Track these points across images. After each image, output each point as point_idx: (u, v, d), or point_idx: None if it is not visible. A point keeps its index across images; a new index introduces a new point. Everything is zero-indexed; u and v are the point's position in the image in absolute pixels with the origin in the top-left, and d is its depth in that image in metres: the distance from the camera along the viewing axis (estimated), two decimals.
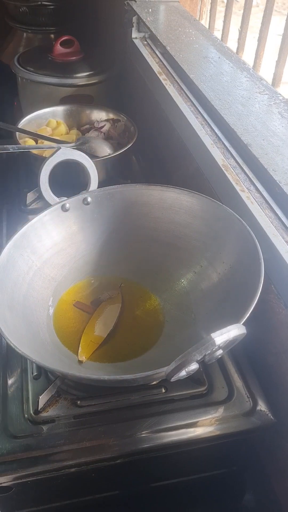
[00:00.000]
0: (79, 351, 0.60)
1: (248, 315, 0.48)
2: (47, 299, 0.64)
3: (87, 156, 0.70)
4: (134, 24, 1.09)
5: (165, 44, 0.94)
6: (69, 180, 0.72)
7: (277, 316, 0.58)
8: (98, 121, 1.02)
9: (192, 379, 0.59)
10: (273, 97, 0.76)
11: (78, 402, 0.57)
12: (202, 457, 0.61)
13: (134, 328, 0.64)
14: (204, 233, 0.64)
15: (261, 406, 0.58)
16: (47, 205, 0.66)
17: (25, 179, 0.95)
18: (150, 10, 1.08)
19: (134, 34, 1.10)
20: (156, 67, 0.96)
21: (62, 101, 1.11)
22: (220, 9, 1.10)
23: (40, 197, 0.79)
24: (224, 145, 0.72)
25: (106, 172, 0.90)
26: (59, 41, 1.16)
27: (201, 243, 0.65)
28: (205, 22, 1.19)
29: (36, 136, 0.91)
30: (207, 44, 0.95)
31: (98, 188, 0.69)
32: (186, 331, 0.62)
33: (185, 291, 0.66)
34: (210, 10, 1.13)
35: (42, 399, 0.56)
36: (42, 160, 0.69)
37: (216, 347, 0.41)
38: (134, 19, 1.08)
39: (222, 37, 1.03)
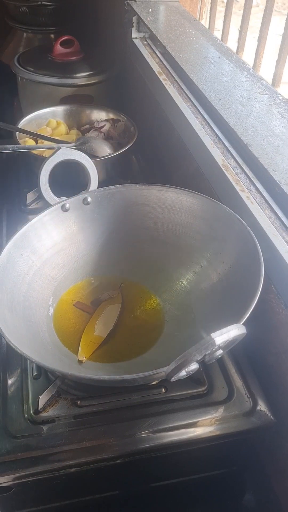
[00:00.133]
0: (79, 351, 0.60)
1: (248, 315, 0.48)
2: (47, 299, 0.64)
3: (87, 156, 0.70)
4: (134, 24, 1.09)
5: (165, 44, 0.94)
6: (69, 180, 0.72)
7: (277, 316, 0.58)
8: (98, 121, 1.02)
9: (192, 379, 0.59)
10: (273, 97, 0.76)
11: (78, 402, 0.57)
12: (202, 457, 0.61)
13: (134, 328, 0.64)
14: (204, 233, 0.64)
15: (261, 406, 0.58)
16: (47, 205, 0.66)
17: (25, 179, 0.95)
18: (150, 10, 1.08)
19: (134, 34, 1.10)
20: (156, 67, 0.96)
21: (62, 101, 1.11)
22: (220, 9, 1.10)
23: (40, 197, 0.79)
24: (224, 145, 0.72)
25: (106, 172, 0.90)
26: (59, 41, 1.16)
27: (201, 243, 0.65)
28: (205, 22, 1.19)
29: (36, 136, 0.91)
30: (207, 44, 0.95)
31: (98, 188, 0.69)
32: (186, 331, 0.62)
33: (185, 291, 0.66)
34: (210, 10, 1.13)
35: (42, 399, 0.56)
36: (42, 160, 0.69)
37: (216, 347, 0.41)
38: (134, 19, 1.08)
39: (222, 37, 1.03)
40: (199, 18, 1.21)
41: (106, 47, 1.37)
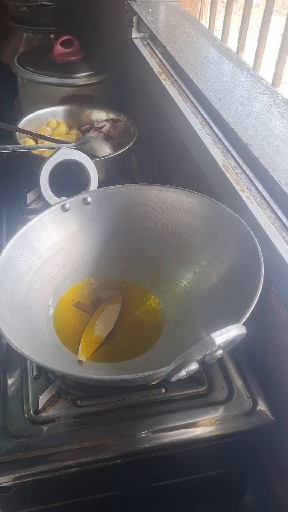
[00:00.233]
0: (79, 351, 0.60)
1: (248, 315, 0.48)
2: (47, 299, 0.64)
3: (87, 156, 0.70)
4: (134, 24, 1.09)
5: (165, 44, 0.94)
6: (69, 180, 0.72)
7: (277, 316, 0.58)
8: (98, 121, 1.02)
9: (192, 379, 0.59)
10: (273, 97, 0.76)
11: (78, 402, 0.57)
12: (202, 457, 0.61)
13: (134, 328, 0.64)
14: (204, 233, 0.64)
15: (261, 406, 0.58)
16: (47, 205, 0.66)
17: (25, 179, 0.95)
18: (150, 10, 1.08)
19: (134, 34, 1.10)
20: (156, 67, 0.96)
21: (62, 101, 1.11)
22: (220, 9, 1.10)
23: (40, 197, 0.79)
24: (224, 145, 0.72)
25: (106, 172, 0.90)
26: (59, 41, 1.16)
27: (201, 243, 0.65)
28: (205, 22, 1.19)
29: (36, 136, 0.91)
30: (207, 44, 0.95)
31: (98, 188, 0.69)
32: (186, 331, 0.62)
33: (185, 291, 0.66)
34: (210, 10, 1.13)
35: (42, 399, 0.56)
36: (42, 160, 0.69)
37: (216, 347, 0.41)
38: (134, 19, 1.08)
39: (222, 37, 1.03)
40: (199, 18, 1.21)
41: (106, 47, 1.37)
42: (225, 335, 0.41)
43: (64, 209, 0.65)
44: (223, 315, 0.56)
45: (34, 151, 0.89)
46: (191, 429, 0.56)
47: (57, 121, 1.01)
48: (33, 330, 0.58)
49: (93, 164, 0.70)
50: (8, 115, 1.34)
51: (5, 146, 0.78)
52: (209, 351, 0.41)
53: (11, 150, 0.80)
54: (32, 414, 0.56)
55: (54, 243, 0.66)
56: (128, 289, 0.68)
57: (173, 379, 0.43)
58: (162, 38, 0.96)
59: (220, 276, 0.62)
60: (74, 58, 1.17)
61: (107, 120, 1.02)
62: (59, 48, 1.17)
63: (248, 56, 0.97)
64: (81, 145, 0.88)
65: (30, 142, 0.94)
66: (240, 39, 0.96)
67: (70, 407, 0.57)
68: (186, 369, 0.42)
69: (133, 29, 1.10)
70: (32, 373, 0.60)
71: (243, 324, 0.44)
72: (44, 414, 0.56)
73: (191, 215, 0.65)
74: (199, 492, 0.66)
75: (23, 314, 0.58)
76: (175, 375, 0.43)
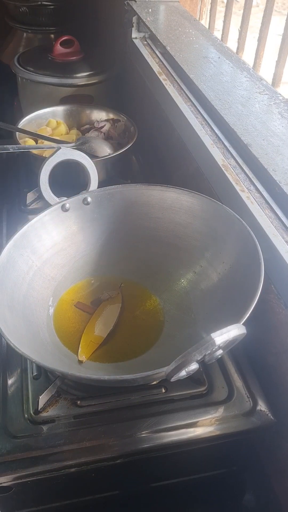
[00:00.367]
0: (79, 351, 0.60)
1: (248, 315, 0.48)
2: (47, 299, 0.64)
3: (87, 156, 0.70)
4: (134, 24, 1.09)
5: (165, 44, 0.94)
6: (69, 180, 0.72)
7: (277, 316, 0.58)
8: (98, 121, 1.02)
9: (192, 379, 0.59)
10: (273, 97, 0.76)
11: (78, 402, 0.57)
12: (202, 457, 0.61)
13: (134, 328, 0.64)
14: (204, 233, 0.64)
15: (261, 406, 0.58)
16: (47, 205, 0.66)
17: (25, 179, 0.95)
18: (150, 10, 1.08)
19: (134, 34, 1.10)
20: (156, 67, 0.96)
21: (62, 101, 1.11)
22: (220, 9, 1.10)
23: (40, 197, 0.79)
24: (224, 145, 0.72)
25: (106, 172, 0.90)
26: (59, 41, 1.16)
27: (201, 243, 0.65)
28: (205, 22, 1.19)
29: (36, 136, 0.91)
30: (207, 44, 0.95)
31: (98, 188, 0.69)
32: (186, 331, 0.62)
33: (185, 291, 0.66)
34: (210, 10, 1.13)
35: (42, 399, 0.56)
36: (42, 160, 0.69)
37: (216, 347, 0.41)
38: (134, 19, 1.08)
39: (222, 37, 1.03)
40: (199, 18, 1.21)
41: (106, 47, 1.37)
42: (225, 335, 0.41)
43: (64, 209, 0.65)
44: (223, 315, 0.56)
45: (34, 151, 0.89)
46: (191, 429, 0.56)
47: (57, 121, 1.01)
48: (33, 330, 0.58)
49: (93, 164, 0.70)
50: (8, 115, 1.34)
51: (5, 146, 0.78)
52: (209, 351, 0.41)
53: (11, 150, 0.80)
54: (32, 414, 0.56)
55: (54, 243, 0.66)
56: (128, 289, 0.68)
57: (173, 379, 0.43)
58: (162, 38, 0.96)
59: (220, 276, 0.62)
60: (74, 58, 1.17)
61: (107, 120, 1.02)
62: (59, 48, 1.17)
63: (248, 56, 0.97)
64: (81, 145, 0.88)
65: (30, 142, 0.94)
66: (240, 39, 0.96)
67: (70, 407, 0.57)
68: (186, 369, 0.42)
69: (133, 29, 1.10)
70: (32, 373, 0.60)
71: (243, 324, 0.44)
72: (44, 414, 0.56)
73: (191, 215, 0.65)
74: (199, 492, 0.66)
75: (23, 314, 0.58)
76: (175, 375, 0.43)
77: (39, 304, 0.62)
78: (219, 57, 0.89)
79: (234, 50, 0.95)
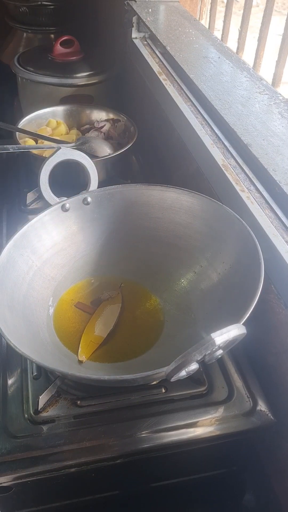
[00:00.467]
0: (79, 351, 0.60)
1: (248, 315, 0.48)
2: (47, 299, 0.64)
3: (87, 156, 0.70)
4: (134, 24, 1.09)
5: (165, 44, 0.94)
6: (69, 180, 0.72)
7: (277, 316, 0.58)
8: (98, 121, 1.02)
9: (192, 379, 0.59)
10: (273, 97, 0.76)
11: (78, 402, 0.57)
12: (202, 457, 0.61)
13: (134, 328, 0.64)
14: (204, 233, 0.64)
15: (261, 406, 0.58)
16: (47, 205, 0.66)
17: (25, 179, 0.95)
18: (150, 10, 1.08)
19: (134, 34, 1.10)
20: (156, 67, 0.96)
21: (62, 101, 1.11)
22: (220, 9, 1.10)
23: (40, 197, 0.79)
24: (224, 145, 0.72)
25: (106, 172, 0.90)
26: (59, 41, 1.16)
27: (201, 243, 0.65)
28: (205, 22, 1.19)
29: (36, 136, 0.91)
30: (207, 44, 0.95)
31: (98, 188, 0.69)
32: (186, 331, 0.62)
33: (185, 291, 0.66)
34: (210, 10, 1.13)
35: (42, 399, 0.56)
36: (42, 160, 0.69)
37: (216, 347, 0.41)
38: (134, 19, 1.08)
39: (222, 37, 1.03)
40: (199, 18, 1.21)
41: (106, 47, 1.37)
42: (225, 335, 0.41)
43: (64, 209, 0.65)
44: (223, 315, 0.56)
45: (34, 151, 0.89)
46: (191, 429, 0.56)
47: (57, 121, 1.01)
48: (33, 330, 0.58)
49: (93, 164, 0.70)
50: (8, 115, 1.34)
51: (5, 146, 0.78)
52: (209, 351, 0.41)
53: (11, 150, 0.80)
54: (32, 414, 0.56)
55: (54, 243, 0.66)
56: (128, 289, 0.68)
57: (173, 379, 0.43)
58: (162, 38, 0.96)
59: (220, 276, 0.62)
60: (74, 58, 1.17)
61: (107, 120, 1.02)
62: (59, 48, 1.17)
63: (248, 56, 0.97)
64: (81, 145, 0.88)
65: (30, 142, 0.94)
66: (240, 39, 0.96)
67: (70, 407, 0.57)
68: (186, 369, 0.42)
69: (133, 29, 1.10)
70: (32, 373, 0.60)
71: (243, 324, 0.44)
72: (44, 414, 0.56)
73: (191, 215, 0.65)
74: (199, 492, 0.66)
75: (23, 314, 0.58)
76: (175, 375, 0.43)
77: (39, 304, 0.62)
78: (219, 57, 0.89)
79: (234, 50, 0.95)
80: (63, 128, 1.00)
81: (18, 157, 1.00)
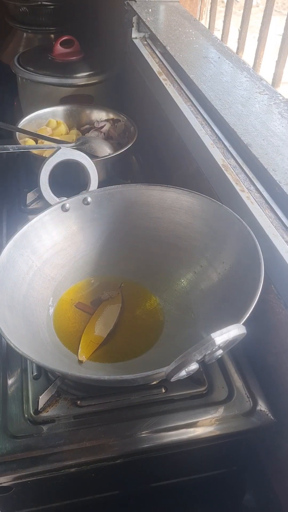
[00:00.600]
0: (79, 351, 0.60)
1: (248, 315, 0.48)
2: (47, 299, 0.64)
3: (87, 156, 0.70)
4: (134, 24, 1.09)
5: (165, 44, 0.94)
6: (69, 180, 0.72)
7: (277, 316, 0.58)
8: (98, 121, 1.02)
9: (192, 379, 0.59)
10: (273, 97, 0.76)
11: (78, 402, 0.57)
12: (202, 457, 0.61)
13: (134, 328, 0.64)
14: (204, 233, 0.64)
15: (261, 406, 0.58)
16: (47, 205, 0.66)
17: (25, 179, 0.95)
18: (150, 10, 1.08)
19: (134, 34, 1.10)
20: (156, 67, 0.96)
21: (62, 101, 1.11)
22: (220, 9, 1.10)
23: (40, 197, 0.79)
24: (224, 145, 0.72)
25: (106, 172, 0.90)
26: (59, 41, 1.16)
27: (201, 243, 0.65)
28: (205, 22, 1.19)
29: (36, 136, 0.91)
30: (207, 44, 0.95)
31: (98, 188, 0.69)
32: (186, 331, 0.62)
33: (185, 291, 0.66)
34: (210, 10, 1.13)
35: (42, 399, 0.56)
36: (42, 160, 0.69)
37: (216, 347, 0.41)
38: (134, 19, 1.08)
39: (222, 37, 1.03)
40: (199, 18, 1.21)
41: (106, 47, 1.37)
42: (225, 335, 0.41)
43: (64, 209, 0.65)
44: (223, 315, 0.56)
45: (34, 151, 0.89)
46: (191, 429, 0.56)
47: (57, 121, 1.01)
48: (33, 330, 0.58)
49: (93, 164, 0.70)
50: (8, 115, 1.34)
51: (5, 146, 0.78)
52: (209, 351, 0.41)
53: (11, 150, 0.80)
54: (32, 414, 0.56)
55: (54, 243, 0.66)
56: (128, 289, 0.68)
57: (173, 379, 0.43)
58: (162, 38, 0.96)
59: (220, 276, 0.62)
60: (74, 58, 1.17)
61: (107, 120, 1.02)
62: (59, 48, 1.17)
63: (248, 56, 0.97)
64: (81, 145, 0.88)
65: (30, 142, 0.94)
66: (240, 39, 0.96)
67: (70, 407, 0.57)
68: (186, 369, 0.42)
69: (133, 29, 1.10)
70: (32, 373, 0.60)
71: (243, 324, 0.44)
72: (44, 414, 0.56)
73: (191, 215, 0.65)
74: (199, 492, 0.66)
75: (23, 314, 0.58)
76: (175, 375, 0.43)
77: (39, 304, 0.62)
78: (219, 57, 0.89)
79: (234, 50, 0.95)
80: (63, 128, 1.00)
81: (18, 157, 1.00)
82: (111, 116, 1.02)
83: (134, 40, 1.10)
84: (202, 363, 0.44)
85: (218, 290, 0.62)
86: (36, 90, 1.14)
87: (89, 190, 0.70)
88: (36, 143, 0.94)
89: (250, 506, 0.66)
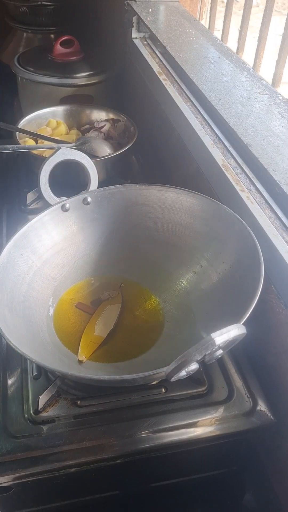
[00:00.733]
0: (79, 351, 0.60)
1: (248, 315, 0.48)
2: (47, 299, 0.64)
3: (87, 156, 0.70)
4: (134, 24, 1.09)
5: (165, 44, 0.94)
6: (69, 180, 0.72)
7: (277, 316, 0.58)
8: (98, 121, 1.02)
9: (192, 379, 0.59)
10: (273, 97, 0.76)
11: (78, 402, 0.57)
12: (202, 457, 0.61)
13: (134, 328, 0.64)
14: (204, 233, 0.64)
15: (261, 406, 0.58)
16: (47, 205, 0.66)
17: (25, 179, 0.95)
18: (150, 10, 1.08)
19: (134, 34, 1.10)
20: (156, 67, 0.96)
21: (62, 101, 1.11)
22: (220, 9, 1.10)
23: (40, 197, 0.79)
24: (224, 145, 0.72)
25: (106, 172, 0.90)
26: (59, 41, 1.16)
27: (201, 243, 0.65)
28: (205, 22, 1.19)
29: (36, 136, 0.91)
30: (207, 44, 0.95)
31: (98, 188, 0.69)
32: (186, 331, 0.62)
33: (185, 291, 0.66)
34: (210, 10, 1.13)
35: (42, 399, 0.56)
36: (42, 160, 0.69)
37: (216, 347, 0.41)
38: (134, 19, 1.08)
39: (222, 37, 1.03)
40: (199, 18, 1.21)
41: (106, 47, 1.37)
42: (225, 335, 0.41)
43: (64, 209, 0.65)
44: (223, 315, 0.56)
45: (34, 151, 0.89)
46: (191, 429, 0.56)
47: (57, 121, 1.01)
48: (33, 330, 0.58)
49: (93, 164, 0.70)
50: (8, 115, 1.34)
51: (5, 146, 0.78)
52: (209, 351, 0.41)
53: (11, 150, 0.80)
54: (32, 414, 0.56)
55: (54, 243, 0.66)
56: (128, 289, 0.68)
57: (173, 379, 0.43)
58: (162, 38, 0.96)
59: (220, 276, 0.62)
60: (74, 58, 1.17)
61: (107, 120, 1.02)
62: (59, 48, 1.17)
63: (248, 56, 0.97)
64: (81, 145, 0.88)
65: (30, 142, 0.94)
66: (240, 39, 0.96)
67: (70, 407, 0.57)
68: (186, 369, 0.42)
69: (133, 29, 1.10)
70: (32, 373, 0.60)
71: (243, 324, 0.44)
72: (44, 414, 0.56)
73: (191, 215, 0.65)
74: (199, 492, 0.66)
75: (23, 314, 0.58)
76: (175, 375, 0.43)
77: (39, 304, 0.62)
78: (219, 57, 0.89)
79: (234, 50, 0.95)
80: (63, 128, 1.00)
81: (18, 157, 1.00)
82: (111, 116, 1.02)
83: (134, 40, 1.10)
84: (202, 363, 0.44)
85: (218, 290, 0.62)
86: (36, 90, 1.14)
87: (89, 190, 0.70)
88: (36, 143, 0.94)
89: (250, 506, 0.66)
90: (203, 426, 0.56)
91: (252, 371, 0.62)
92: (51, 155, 0.67)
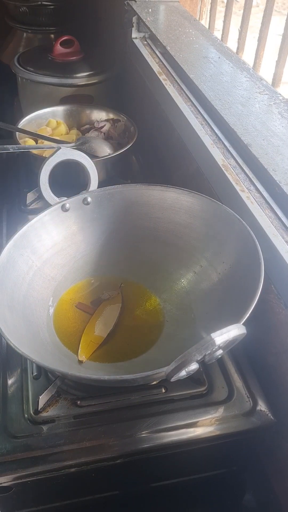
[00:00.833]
0: (79, 351, 0.60)
1: (248, 315, 0.48)
2: (47, 299, 0.64)
3: (87, 156, 0.70)
4: (134, 24, 1.09)
5: (165, 44, 0.94)
6: (69, 180, 0.72)
7: (277, 316, 0.58)
8: (98, 121, 1.02)
9: (192, 379, 0.59)
10: (273, 97, 0.76)
11: (78, 402, 0.57)
12: (202, 457, 0.61)
13: (134, 328, 0.64)
14: (204, 233, 0.64)
15: (261, 406, 0.58)
16: (47, 205, 0.66)
17: (25, 179, 0.95)
18: (150, 10, 1.08)
19: (134, 34, 1.10)
20: (156, 67, 0.96)
21: (62, 101, 1.11)
22: (220, 9, 1.10)
23: (40, 197, 0.79)
24: (224, 145, 0.72)
25: (106, 172, 0.90)
26: (59, 41, 1.16)
27: (201, 243, 0.65)
28: (205, 22, 1.19)
29: (36, 136, 0.91)
30: (207, 44, 0.95)
31: (98, 188, 0.69)
32: (186, 331, 0.62)
33: (185, 291, 0.66)
34: (210, 10, 1.13)
35: (42, 399, 0.56)
36: (42, 160, 0.69)
37: (216, 347, 0.41)
38: (134, 19, 1.08)
39: (222, 37, 1.03)
40: (199, 18, 1.21)
41: (106, 47, 1.37)
42: (225, 335, 0.41)
43: (64, 209, 0.65)
44: (223, 315, 0.56)
45: (34, 151, 0.89)
46: (191, 429, 0.56)
47: (57, 121, 1.01)
48: (33, 330, 0.58)
49: (93, 164, 0.70)
50: (8, 115, 1.34)
51: (5, 146, 0.78)
52: (209, 351, 0.41)
53: (11, 150, 0.80)
54: (32, 414, 0.56)
55: (54, 243, 0.66)
56: (128, 289, 0.68)
57: (173, 379, 0.43)
58: (162, 38, 0.96)
59: (220, 276, 0.62)
60: (74, 58, 1.17)
61: (107, 120, 1.02)
62: (59, 48, 1.17)
63: (248, 56, 0.97)
64: (81, 145, 0.88)
65: (30, 142, 0.94)
66: (240, 39, 0.96)
67: (70, 407, 0.57)
68: (186, 369, 0.42)
69: (133, 29, 1.10)
70: (32, 373, 0.60)
71: (243, 324, 0.44)
72: (44, 414, 0.56)
73: (191, 215, 0.65)
74: (199, 492, 0.66)
75: (23, 314, 0.58)
76: (175, 375, 0.43)
77: (39, 304, 0.62)
78: (219, 57, 0.89)
79: (234, 50, 0.95)
80: (63, 128, 1.00)
81: (18, 157, 1.00)
82: (111, 116, 1.02)
83: (134, 40, 1.10)
84: (202, 363, 0.44)
85: (218, 290, 0.62)
86: (36, 90, 1.14)
87: (89, 190, 0.70)
88: (36, 143, 0.94)
89: (250, 506, 0.66)
90: (203, 426, 0.56)
91: (252, 371, 0.62)
92: (51, 155, 0.67)
